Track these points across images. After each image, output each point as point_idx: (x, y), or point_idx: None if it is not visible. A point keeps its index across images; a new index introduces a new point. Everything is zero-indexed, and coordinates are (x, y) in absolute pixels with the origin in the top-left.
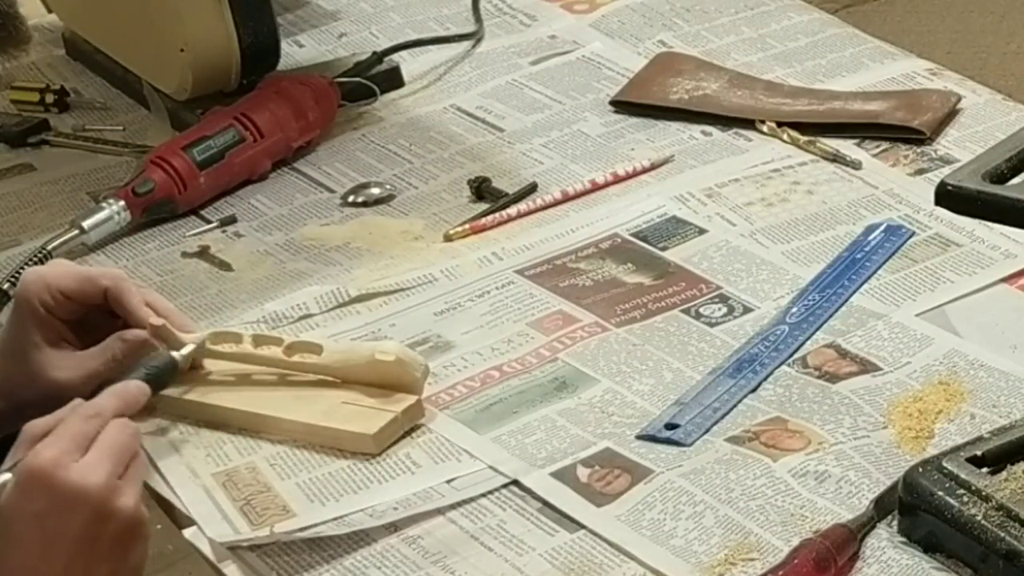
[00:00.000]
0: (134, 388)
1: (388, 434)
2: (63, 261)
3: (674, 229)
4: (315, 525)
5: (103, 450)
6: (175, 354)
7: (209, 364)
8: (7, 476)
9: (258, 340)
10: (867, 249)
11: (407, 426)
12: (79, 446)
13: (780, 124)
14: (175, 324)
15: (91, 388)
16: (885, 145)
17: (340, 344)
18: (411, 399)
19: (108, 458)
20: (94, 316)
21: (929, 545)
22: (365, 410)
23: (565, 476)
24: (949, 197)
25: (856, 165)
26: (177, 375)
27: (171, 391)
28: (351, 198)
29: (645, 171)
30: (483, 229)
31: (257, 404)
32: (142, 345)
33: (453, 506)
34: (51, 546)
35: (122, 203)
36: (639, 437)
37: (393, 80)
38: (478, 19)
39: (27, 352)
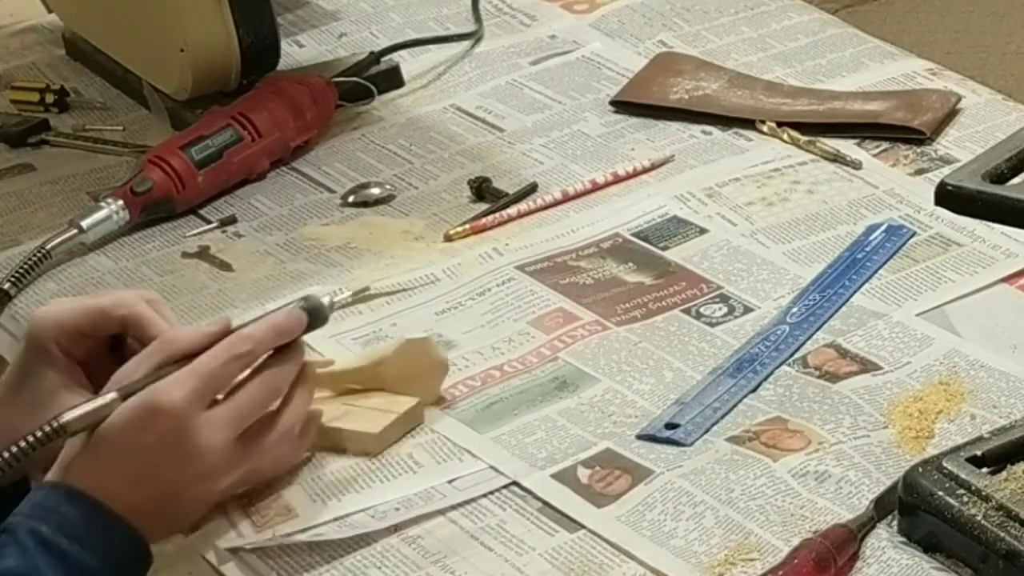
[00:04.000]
0: (294, 318)
1: (390, 434)
2: (65, 299)
3: (675, 229)
4: (317, 526)
5: (236, 408)
6: (325, 298)
7: None
8: (113, 396)
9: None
10: (868, 249)
11: (407, 428)
12: (214, 388)
13: (780, 124)
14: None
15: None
16: (885, 145)
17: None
18: (412, 401)
19: (237, 418)
20: (101, 357)
21: (929, 545)
22: (368, 411)
23: (566, 478)
24: (949, 197)
25: (856, 165)
26: (324, 322)
27: None
28: (351, 198)
29: (645, 171)
30: (483, 229)
31: None
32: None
33: (453, 506)
34: (138, 482)
35: (120, 202)
36: (639, 437)
37: (393, 80)
38: (478, 19)
39: (40, 398)
